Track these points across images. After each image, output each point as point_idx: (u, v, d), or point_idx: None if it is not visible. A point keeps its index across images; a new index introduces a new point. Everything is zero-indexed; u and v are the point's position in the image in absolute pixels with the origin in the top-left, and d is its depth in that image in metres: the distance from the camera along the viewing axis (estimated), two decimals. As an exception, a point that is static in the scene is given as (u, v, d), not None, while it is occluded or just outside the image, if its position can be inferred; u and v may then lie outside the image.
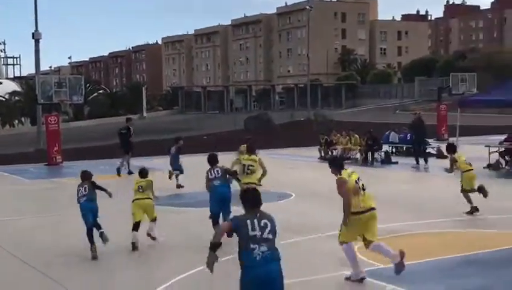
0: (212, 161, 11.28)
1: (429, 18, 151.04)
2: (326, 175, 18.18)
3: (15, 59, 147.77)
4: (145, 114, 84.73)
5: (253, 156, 12.09)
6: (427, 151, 23.79)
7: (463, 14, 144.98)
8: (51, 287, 8.22)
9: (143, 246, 10.39)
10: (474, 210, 12.66)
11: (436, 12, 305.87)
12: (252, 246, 5.23)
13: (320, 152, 26.17)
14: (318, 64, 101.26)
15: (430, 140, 26.60)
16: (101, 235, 9.91)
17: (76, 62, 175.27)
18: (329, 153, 25.31)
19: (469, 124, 36.61)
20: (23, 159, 29.56)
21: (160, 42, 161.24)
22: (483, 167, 19.67)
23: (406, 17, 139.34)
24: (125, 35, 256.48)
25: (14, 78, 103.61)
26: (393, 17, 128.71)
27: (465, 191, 12.84)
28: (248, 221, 5.35)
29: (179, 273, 8.57)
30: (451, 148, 13.28)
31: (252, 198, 5.56)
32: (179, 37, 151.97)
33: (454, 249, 9.68)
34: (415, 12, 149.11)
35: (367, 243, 7.94)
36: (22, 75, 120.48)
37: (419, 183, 19.00)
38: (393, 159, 24.15)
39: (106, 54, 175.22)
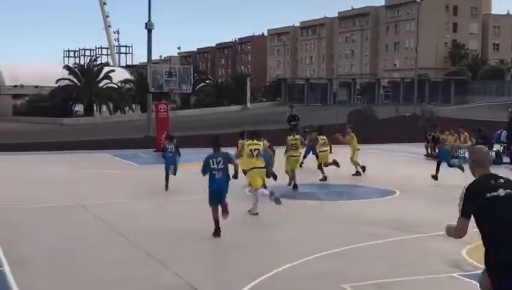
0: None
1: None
2: (431, 172, 17.70)
3: (128, 48, 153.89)
4: (248, 105, 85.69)
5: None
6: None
7: None
8: (157, 268, 8.47)
9: (258, 230, 10.57)
10: None
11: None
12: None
13: (426, 149, 25.37)
14: (426, 58, 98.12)
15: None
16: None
17: (185, 52, 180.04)
18: (436, 150, 24.49)
19: None
20: (134, 144, 30.79)
21: (265, 34, 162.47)
22: None
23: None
24: (231, 27, 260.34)
25: (126, 67, 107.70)
26: (508, 11, 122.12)
27: None
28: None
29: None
30: None
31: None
32: (285, 29, 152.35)
33: None
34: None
35: None
36: (133, 64, 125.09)
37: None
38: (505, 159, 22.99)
39: (213, 44, 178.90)
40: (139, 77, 73.16)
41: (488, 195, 4.84)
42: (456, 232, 4.98)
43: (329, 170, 18.38)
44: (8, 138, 35.55)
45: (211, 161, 10.63)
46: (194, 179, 13.54)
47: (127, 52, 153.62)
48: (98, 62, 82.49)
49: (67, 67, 73.86)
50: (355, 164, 19.11)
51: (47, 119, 60.27)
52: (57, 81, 68.54)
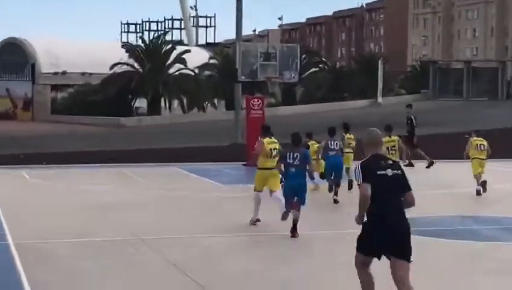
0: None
1: None
2: None
3: (209, 20, 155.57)
4: (380, 99, 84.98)
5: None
6: None
7: None
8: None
9: None
10: None
11: None
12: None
13: None
14: None
15: None
16: None
17: (289, 25, 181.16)
18: None
19: None
20: (216, 155, 31.23)
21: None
22: None
23: None
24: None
25: (206, 46, 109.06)
26: None
27: None
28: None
29: None
30: None
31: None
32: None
33: None
34: None
35: None
36: (216, 42, 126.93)
37: None
38: None
39: (329, 13, 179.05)
40: (224, 60, 74.25)
41: (378, 173, 8.36)
42: (362, 195, 8.35)
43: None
44: (46, 145, 37.12)
45: (287, 154, 14.59)
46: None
47: (208, 25, 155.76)
48: (168, 39, 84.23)
49: (125, 46, 75.71)
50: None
51: (98, 119, 62.40)
52: (112, 66, 70.42)
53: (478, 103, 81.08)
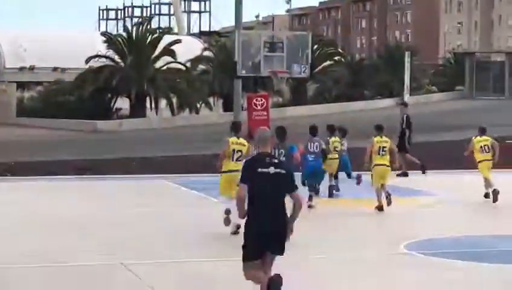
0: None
1: None
2: None
3: (202, 3, 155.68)
4: (406, 98, 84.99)
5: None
6: None
7: None
8: None
9: None
10: None
11: None
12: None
13: None
14: None
15: None
16: None
17: (299, 9, 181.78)
18: None
19: None
20: (211, 165, 31.19)
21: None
22: None
23: None
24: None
25: (200, 34, 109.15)
26: None
27: None
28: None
29: None
30: None
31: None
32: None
33: None
34: None
35: None
36: (211, 30, 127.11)
37: None
38: None
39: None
40: (221, 52, 74.23)
41: (260, 170, 10.22)
42: (237, 196, 10.51)
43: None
44: (10, 154, 37.06)
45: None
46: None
47: (202, 10, 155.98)
48: (155, 27, 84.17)
49: (104, 36, 75.72)
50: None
51: (71, 123, 62.28)
52: (88, 59, 70.54)
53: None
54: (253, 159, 10.61)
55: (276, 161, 10.48)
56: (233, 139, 17.94)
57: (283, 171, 10.23)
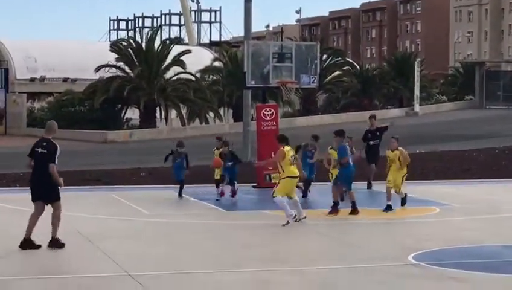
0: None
1: None
2: None
3: (213, 14, 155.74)
4: (417, 108, 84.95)
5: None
6: None
7: None
8: None
9: None
10: None
11: None
12: None
13: None
14: None
15: None
16: None
17: (309, 19, 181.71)
18: None
19: None
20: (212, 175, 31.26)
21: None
22: None
23: None
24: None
25: (210, 45, 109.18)
26: None
27: None
28: None
29: None
30: None
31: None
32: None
33: None
34: None
35: None
36: (221, 40, 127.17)
37: None
38: None
39: (357, 5, 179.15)
40: (231, 63, 74.38)
41: (36, 149, 16.66)
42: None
43: None
44: (20, 164, 37.04)
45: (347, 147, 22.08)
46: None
47: (212, 20, 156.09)
48: (165, 37, 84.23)
49: (115, 47, 75.84)
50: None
51: (82, 134, 62.45)
52: (97, 69, 70.76)
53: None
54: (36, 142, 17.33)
55: (44, 143, 16.80)
56: (287, 148, 19.92)
57: (45, 151, 16.77)
